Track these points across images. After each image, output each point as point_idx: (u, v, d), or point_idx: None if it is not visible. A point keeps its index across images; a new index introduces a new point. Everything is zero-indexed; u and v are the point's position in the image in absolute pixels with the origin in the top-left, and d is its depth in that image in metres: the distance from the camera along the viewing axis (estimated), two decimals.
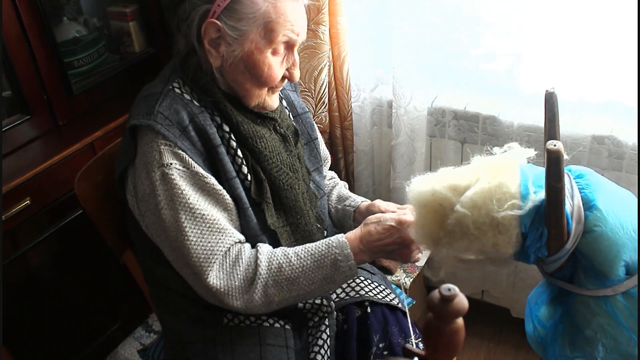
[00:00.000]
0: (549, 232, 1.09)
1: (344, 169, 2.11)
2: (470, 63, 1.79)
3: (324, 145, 1.66)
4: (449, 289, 0.71)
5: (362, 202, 1.55)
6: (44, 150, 1.90)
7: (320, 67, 1.85)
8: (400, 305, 1.54)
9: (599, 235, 1.09)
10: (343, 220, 1.57)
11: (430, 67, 1.82)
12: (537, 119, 1.72)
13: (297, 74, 1.33)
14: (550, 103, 1.18)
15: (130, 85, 2.17)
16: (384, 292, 1.55)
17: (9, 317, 1.78)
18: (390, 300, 1.53)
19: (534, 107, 1.70)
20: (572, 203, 1.11)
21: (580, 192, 1.12)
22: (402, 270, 1.98)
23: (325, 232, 1.53)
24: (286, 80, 1.34)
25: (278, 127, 1.41)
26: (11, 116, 1.89)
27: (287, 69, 1.31)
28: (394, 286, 1.69)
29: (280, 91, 1.49)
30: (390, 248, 1.32)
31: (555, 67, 1.66)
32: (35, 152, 1.90)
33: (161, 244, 1.30)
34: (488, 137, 1.83)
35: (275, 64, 1.28)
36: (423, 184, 1.19)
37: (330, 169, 1.96)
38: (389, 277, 1.94)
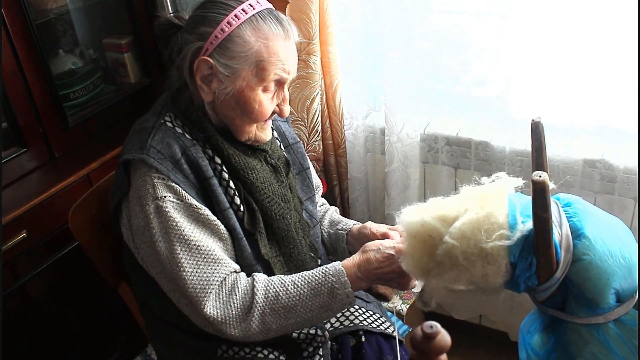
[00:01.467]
0: (538, 261, 1.09)
1: (339, 196, 2.12)
2: (461, 89, 1.81)
3: (316, 174, 1.68)
4: (431, 326, 0.72)
5: (353, 224, 1.56)
6: (40, 183, 1.91)
7: (312, 97, 1.87)
8: (394, 333, 1.54)
9: (588, 264, 1.10)
10: (336, 244, 1.58)
11: (422, 94, 1.83)
12: (529, 144, 1.72)
13: (286, 109, 1.35)
14: (537, 132, 1.19)
15: (126, 116, 2.19)
16: (378, 320, 1.55)
17: (7, 347, 1.78)
18: (385, 328, 1.53)
19: (525, 132, 1.69)
20: (560, 232, 1.11)
21: (569, 221, 1.13)
22: (398, 297, 1.98)
23: (319, 260, 1.53)
24: (275, 114, 1.36)
25: (269, 158, 1.42)
26: (8, 149, 1.91)
27: (277, 105, 1.33)
28: (389, 314, 1.69)
29: (272, 122, 1.51)
30: (389, 276, 1.33)
31: (545, 91, 1.67)
32: (31, 184, 1.91)
33: (157, 275, 1.31)
34: (481, 163, 1.84)
35: (266, 101, 1.29)
36: (412, 215, 1.20)
37: (325, 196, 1.97)
38: (385, 304, 1.94)
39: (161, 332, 1.46)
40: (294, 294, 1.30)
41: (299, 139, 1.57)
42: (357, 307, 1.56)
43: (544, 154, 1.20)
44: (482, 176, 1.21)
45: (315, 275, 1.32)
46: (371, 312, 1.57)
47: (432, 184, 1.96)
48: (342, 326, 1.51)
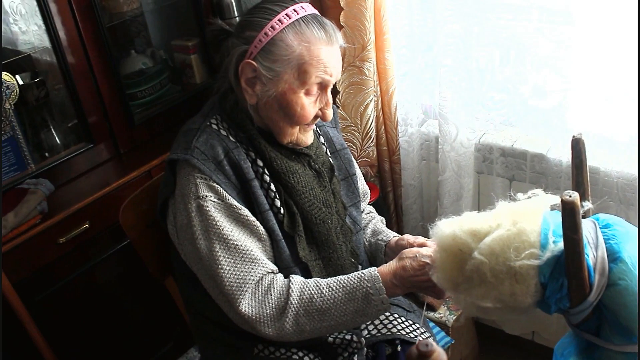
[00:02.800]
0: (569, 283, 1.05)
1: (393, 202, 2.11)
2: (518, 99, 1.76)
3: (364, 180, 1.68)
4: (427, 345, 0.71)
5: (393, 236, 1.56)
6: (105, 177, 2.02)
7: (366, 103, 1.88)
8: (419, 340, 1.52)
9: (624, 289, 1.05)
10: (376, 254, 1.58)
11: (477, 103, 1.80)
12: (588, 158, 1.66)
13: (329, 113, 1.37)
14: (577, 149, 1.14)
15: (189, 116, 2.24)
16: (417, 330, 1.54)
17: (69, 329, 1.90)
18: (424, 339, 1.51)
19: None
20: (595, 254, 1.07)
21: (606, 243, 1.08)
22: (445, 308, 1.95)
23: (360, 266, 1.54)
24: (319, 118, 1.38)
25: (312, 163, 1.44)
26: (77, 144, 2.03)
27: (320, 109, 1.35)
28: (432, 325, 1.67)
29: (318, 127, 1.54)
30: (424, 285, 1.32)
31: (604, 104, 1.60)
32: (97, 178, 2.02)
33: (198, 272, 1.36)
34: (536, 175, 1.78)
35: (308, 104, 1.32)
36: (445, 227, 1.18)
37: (378, 202, 1.98)
38: (431, 314, 1.92)
39: (202, 328, 1.51)
40: (329, 297, 1.31)
41: (346, 145, 1.58)
42: (397, 315, 1.56)
43: (585, 172, 1.16)
44: (537, 189, 1.18)
45: (351, 280, 1.33)
46: (411, 322, 1.56)
47: (486, 195, 1.92)
48: (379, 333, 1.51)
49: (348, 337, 1.45)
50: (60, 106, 2.06)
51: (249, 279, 1.31)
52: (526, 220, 1.10)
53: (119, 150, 2.11)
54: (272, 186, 1.36)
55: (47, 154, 2.02)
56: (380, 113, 1.94)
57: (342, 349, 1.46)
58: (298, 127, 1.36)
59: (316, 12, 1.34)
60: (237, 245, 1.30)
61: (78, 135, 2.04)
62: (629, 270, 1.05)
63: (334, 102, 1.91)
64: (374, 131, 1.94)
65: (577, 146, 1.15)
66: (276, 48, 1.27)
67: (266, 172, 1.36)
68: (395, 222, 2.14)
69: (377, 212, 1.76)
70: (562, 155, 1.71)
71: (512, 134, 1.83)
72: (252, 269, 1.31)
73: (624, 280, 1.05)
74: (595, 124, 1.61)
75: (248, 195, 1.34)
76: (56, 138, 2.03)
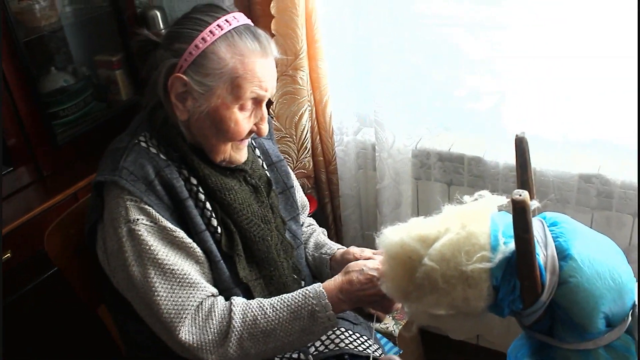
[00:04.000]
0: (521, 284, 1.04)
1: (331, 213, 2.07)
2: (453, 103, 1.77)
3: (302, 192, 1.63)
4: None
5: (337, 249, 1.51)
6: (27, 202, 1.89)
7: (300, 112, 1.84)
8: (383, 356, 1.48)
9: (575, 287, 1.04)
10: (320, 268, 1.53)
11: (413, 109, 1.79)
12: None
13: (265, 128, 1.31)
14: (521, 148, 1.14)
15: (117, 133, 2.15)
16: (365, 343, 1.50)
17: None
18: (373, 352, 1.47)
19: None
20: (545, 253, 1.06)
21: (555, 241, 1.08)
22: (390, 318, 1.92)
23: (303, 282, 1.49)
24: (253, 134, 1.32)
25: (249, 178, 1.38)
26: None
27: (255, 124, 1.29)
28: (379, 336, 1.63)
29: (254, 140, 1.48)
30: (372, 299, 1.28)
31: (539, 105, 1.62)
32: (18, 203, 1.89)
33: (132, 300, 1.27)
34: (474, 179, 1.79)
35: (242, 120, 1.26)
36: (392, 235, 1.15)
37: (317, 214, 1.93)
38: (377, 325, 1.88)
39: (143, 356, 1.42)
40: (273, 318, 1.25)
41: (282, 157, 1.53)
42: (343, 329, 1.51)
43: (529, 171, 1.15)
44: (477, 192, 1.16)
45: (295, 298, 1.27)
46: (358, 335, 1.52)
47: (425, 201, 1.91)
48: (327, 350, 1.45)
49: (295, 355, 1.40)
50: None
51: (188, 305, 1.23)
52: (475, 223, 1.08)
53: (41, 172, 1.98)
54: (208, 205, 1.29)
55: None
56: (315, 123, 1.91)
57: None
58: (230, 145, 1.29)
59: (249, 22, 1.28)
60: (173, 269, 1.22)
61: None
62: (579, 267, 1.04)
63: (268, 113, 1.86)
64: (309, 141, 1.90)
65: (521, 145, 1.14)
66: (208, 61, 1.21)
67: (200, 190, 1.29)
68: (335, 233, 2.11)
69: (318, 223, 1.72)
70: (499, 157, 1.72)
71: (448, 138, 1.83)
72: (191, 293, 1.24)
73: (574, 278, 1.04)
74: (530, 125, 1.63)
75: (183, 216, 1.26)
76: None
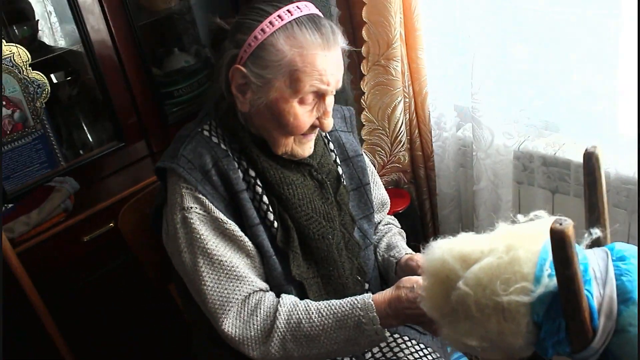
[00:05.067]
0: (567, 325, 0.89)
1: (429, 211, 1.96)
2: (562, 102, 1.56)
3: (383, 190, 1.55)
4: None
5: (405, 253, 1.42)
6: (136, 176, 2.01)
7: (393, 104, 1.74)
8: None
9: (635, 338, 0.87)
10: (387, 271, 1.45)
11: (516, 106, 1.62)
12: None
13: (328, 123, 1.25)
14: (590, 165, 0.97)
15: None
16: (429, 356, 1.40)
17: (88, 327, 1.90)
18: None
19: (635, 154, 1.44)
20: (602, 292, 0.90)
21: (617, 280, 0.91)
22: None
23: (367, 284, 1.42)
24: (317, 129, 1.27)
25: (315, 173, 1.33)
26: (109, 142, 2.04)
27: (317, 118, 1.24)
28: (449, 349, 1.52)
29: (330, 132, 1.43)
30: (420, 319, 1.19)
31: None
32: (128, 177, 2.02)
33: (187, 284, 1.30)
34: (582, 188, 1.57)
35: (303, 114, 1.21)
36: (436, 249, 1.04)
37: (413, 211, 1.83)
38: None
39: (199, 341, 1.45)
40: (318, 324, 1.21)
41: (361, 152, 1.46)
42: (407, 337, 1.43)
43: (600, 192, 0.98)
44: (541, 210, 1.02)
45: (342, 307, 1.22)
46: (423, 346, 1.42)
47: (527, 208, 1.73)
48: (383, 357, 1.38)
49: None
50: (93, 105, 2.07)
51: (233, 298, 1.23)
52: (523, 248, 0.94)
53: (152, 149, 2.10)
54: (265, 198, 1.27)
55: (81, 152, 2.04)
56: (414, 116, 1.80)
57: None
58: (293, 138, 1.25)
59: (315, 11, 1.22)
60: (221, 260, 1.22)
61: (110, 134, 2.05)
62: None
63: (358, 104, 1.79)
64: (405, 135, 1.80)
65: (590, 161, 0.97)
66: (266, 53, 1.17)
67: (258, 183, 1.27)
68: (432, 232, 1.99)
69: (409, 221, 1.63)
70: (611, 167, 1.49)
71: (555, 141, 1.63)
72: (237, 286, 1.23)
73: (635, 327, 0.87)
74: None
75: (237, 208, 1.25)
76: (89, 136, 2.04)
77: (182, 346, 2.16)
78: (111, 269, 1.93)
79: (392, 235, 1.53)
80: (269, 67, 1.18)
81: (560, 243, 0.82)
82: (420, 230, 1.98)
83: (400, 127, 1.78)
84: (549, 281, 0.89)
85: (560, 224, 0.82)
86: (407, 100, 1.77)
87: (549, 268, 0.91)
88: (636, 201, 1.48)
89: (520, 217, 1.00)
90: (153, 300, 1.98)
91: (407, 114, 1.79)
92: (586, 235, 0.95)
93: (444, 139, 1.79)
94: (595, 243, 1.00)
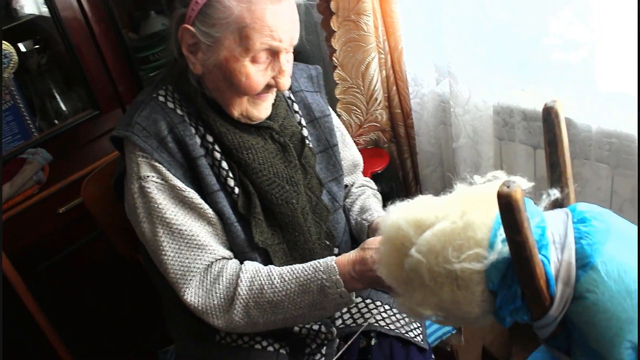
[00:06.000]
0: (523, 293, 0.84)
1: (411, 170, 1.90)
2: (539, 54, 1.48)
3: (355, 150, 1.50)
4: None
5: (377, 216, 1.37)
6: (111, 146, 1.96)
7: (367, 61, 1.67)
8: (418, 339, 1.35)
9: (593, 305, 0.82)
10: (360, 235, 1.41)
11: (493, 60, 1.54)
12: (620, 124, 1.38)
13: (284, 82, 1.19)
14: (550, 121, 0.91)
15: None
16: (402, 321, 1.37)
17: (67, 300, 1.89)
18: (405, 332, 1.34)
19: (614, 108, 1.37)
20: (559, 258, 0.85)
21: (577, 243, 0.85)
22: None
23: (337, 249, 1.38)
24: (274, 88, 1.21)
25: (276, 136, 1.28)
26: (83, 111, 1.99)
27: (273, 77, 1.18)
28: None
29: (294, 93, 1.37)
30: (384, 283, 1.14)
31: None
32: (104, 146, 1.97)
33: (149, 254, 1.26)
34: None
35: (255, 73, 1.15)
36: (392, 214, 0.99)
37: (394, 170, 1.78)
38: None
39: (167, 309, 1.43)
40: (280, 289, 1.18)
41: (329, 112, 1.40)
42: (379, 302, 1.40)
43: (561, 149, 0.92)
44: (498, 171, 0.96)
45: (305, 271, 1.18)
46: (396, 311, 1.39)
47: (509, 164, 1.67)
48: (354, 324, 1.36)
49: (316, 327, 1.32)
50: (64, 73, 2.02)
51: (195, 267, 1.20)
52: (477, 212, 0.89)
53: None
54: (224, 164, 1.23)
55: (56, 122, 1.99)
56: (391, 72, 1.72)
57: (311, 339, 1.32)
58: (246, 99, 1.20)
59: None
60: (181, 230, 1.19)
61: (85, 103, 1.99)
62: (602, 280, 0.82)
63: (330, 60, 1.72)
64: (381, 93, 1.73)
65: (549, 117, 0.91)
66: (213, 10, 1.10)
67: (217, 148, 1.22)
68: (415, 192, 1.94)
69: (388, 181, 1.58)
70: (592, 121, 1.42)
71: (534, 95, 1.55)
72: (198, 255, 1.20)
73: (593, 293, 0.82)
74: (630, 81, 1.32)
75: (196, 175, 1.21)
76: (62, 106, 1.99)
77: (155, 315, 2.16)
78: (89, 240, 1.90)
79: (365, 197, 1.48)
80: (216, 25, 1.11)
81: (507, 207, 0.76)
82: (402, 190, 1.92)
83: (376, 84, 1.71)
84: (503, 247, 0.84)
85: (508, 187, 0.76)
86: (382, 56, 1.69)
87: (503, 233, 0.86)
88: (619, 155, 1.42)
89: (477, 177, 0.95)
90: (127, 271, 1.96)
91: (384, 71, 1.72)
92: (544, 196, 0.89)
93: (421, 96, 1.71)
94: (558, 204, 0.94)
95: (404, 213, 0.96)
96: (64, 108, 1.99)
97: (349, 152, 1.48)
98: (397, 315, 1.38)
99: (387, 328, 1.34)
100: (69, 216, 1.83)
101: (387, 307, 1.39)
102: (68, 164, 1.89)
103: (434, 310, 0.91)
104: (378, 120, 1.78)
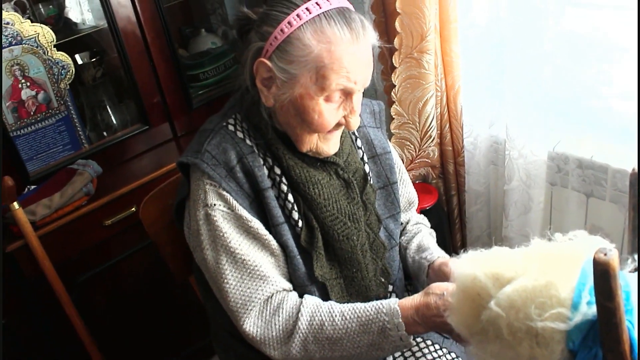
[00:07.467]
0: (604, 356, 0.85)
1: (457, 207, 1.91)
2: (600, 103, 1.49)
3: (411, 187, 1.51)
4: None
5: (438, 257, 1.37)
6: (159, 160, 1.99)
7: (425, 98, 1.68)
8: None
9: None
10: (418, 274, 1.40)
11: (552, 106, 1.55)
12: None
13: (354, 122, 1.20)
14: (637, 187, 0.91)
15: None
16: None
17: (108, 311, 1.90)
18: None
19: None
20: None
21: None
22: None
23: (392, 286, 1.38)
24: (342, 127, 1.22)
25: (341, 172, 1.29)
26: (133, 125, 2.01)
27: (344, 116, 1.19)
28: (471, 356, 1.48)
29: (357, 129, 1.38)
30: (448, 327, 1.15)
31: None
32: (151, 161, 1.99)
33: (208, 280, 1.27)
34: (618, 194, 1.51)
35: (328, 111, 1.16)
36: (467, 264, 1.00)
37: (439, 207, 1.78)
38: None
39: (217, 332, 1.44)
40: (341, 327, 1.18)
41: (389, 149, 1.41)
42: (430, 342, 1.39)
43: None
44: (580, 230, 0.96)
45: (367, 311, 1.19)
46: (446, 350, 1.39)
47: (559, 210, 1.67)
48: None
49: None
50: (117, 87, 2.04)
51: (256, 297, 1.20)
52: (559, 270, 0.89)
53: (176, 132, 2.07)
54: (290, 197, 1.23)
55: (105, 134, 2.02)
56: (445, 110, 1.74)
57: None
58: (317, 135, 1.21)
59: (345, 4, 1.15)
60: (244, 259, 1.20)
61: (134, 117, 2.02)
62: None
63: (388, 96, 1.74)
64: (435, 130, 1.74)
65: (638, 183, 0.92)
66: (292, 48, 1.12)
67: (284, 181, 1.23)
68: (459, 229, 1.94)
69: (436, 217, 1.59)
70: None
71: (592, 143, 1.56)
72: (260, 286, 1.21)
73: None
74: None
75: (262, 206, 1.22)
76: (113, 118, 2.02)
77: (199, 335, 2.17)
78: (132, 254, 1.91)
79: (422, 236, 1.48)
80: (294, 62, 1.12)
81: (604, 274, 0.77)
82: (446, 227, 1.93)
83: (431, 121, 1.72)
84: (588, 309, 0.85)
85: (605, 254, 0.76)
86: (438, 94, 1.71)
87: (588, 295, 0.86)
88: None
89: (557, 235, 0.95)
90: (173, 288, 1.97)
91: (439, 108, 1.73)
92: (629, 261, 0.90)
93: (475, 135, 1.73)
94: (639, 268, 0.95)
95: (480, 264, 0.97)
96: (114, 121, 2.01)
97: (405, 190, 1.49)
98: (448, 356, 1.38)
99: None
100: (114, 229, 1.85)
101: (437, 346, 1.39)
102: (115, 177, 1.92)
103: None
104: (429, 156, 1.79)
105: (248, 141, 1.23)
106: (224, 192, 1.19)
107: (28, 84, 1.76)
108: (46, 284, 1.72)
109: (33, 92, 1.78)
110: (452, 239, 1.95)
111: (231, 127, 1.25)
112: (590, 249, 0.91)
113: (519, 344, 0.89)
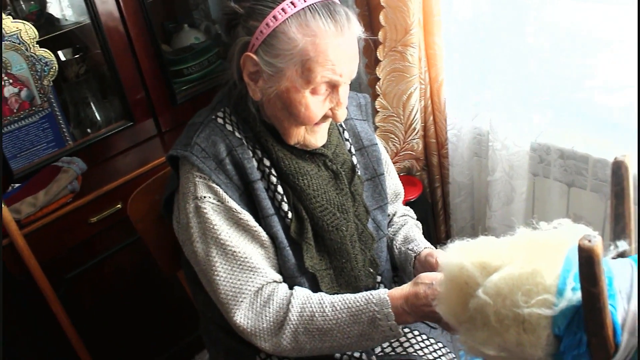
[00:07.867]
0: (588, 340, 0.87)
1: (441, 199, 1.93)
2: (582, 95, 1.52)
3: (397, 179, 1.52)
4: None
5: (424, 248, 1.39)
6: (144, 157, 1.98)
7: (409, 91, 1.70)
8: None
9: None
10: (404, 264, 1.42)
11: (535, 98, 1.57)
12: None
13: (341, 114, 1.22)
14: (619, 175, 0.94)
15: None
16: (439, 351, 1.39)
17: (95, 308, 1.90)
18: None
19: None
20: (626, 308, 0.87)
21: None
22: None
23: (379, 277, 1.40)
24: (329, 119, 1.23)
25: (329, 163, 1.30)
26: (117, 121, 2.00)
27: (330, 109, 1.21)
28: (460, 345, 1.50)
29: (344, 121, 1.39)
30: (437, 316, 1.17)
31: None
32: (136, 157, 1.99)
33: (198, 274, 1.28)
34: (599, 184, 1.55)
35: (314, 104, 1.17)
36: (454, 254, 1.02)
37: (424, 198, 1.80)
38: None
39: (207, 327, 1.45)
40: (331, 318, 1.20)
41: (376, 141, 1.42)
42: (417, 332, 1.42)
43: (627, 203, 0.95)
44: (564, 218, 0.99)
45: (357, 301, 1.20)
46: (433, 341, 1.41)
47: (542, 200, 1.70)
48: (393, 352, 1.37)
49: (357, 354, 1.33)
50: (101, 83, 2.03)
51: (246, 289, 1.21)
52: (545, 258, 0.92)
53: (160, 128, 2.06)
54: (279, 188, 1.25)
55: (89, 131, 2.01)
56: (429, 102, 1.76)
57: None
58: (304, 128, 1.22)
59: None
60: (235, 251, 1.21)
61: (119, 113, 2.01)
62: None
63: (373, 89, 1.75)
64: (419, 122, 1.76)
65: (619, 171, 0.94)
66: (277, 41, 1.13)
67: (273, 172, 1.24)
68: (444, 220, 1.97)
69: (421, 209, 1.60)
70: (632, 164, 1.46)
71: (573, 134, 1.59)
72: (251, 277, 1.22)
73: None
74: None
75: (251, 198, 1.23)
76: (97, 115, 2.01)
77: (188, 330, 2.17)
78: (118, 250, 1.91)
79: (409, 227, 1.50)
80: (280, 55, 1.13)
81: (588, 260, 0.79)
82: (431, 218, 1.95)
83: (415, 114, 1.74)
84: (572, 295, 0.87)
85: (589, 241, 0.79)
86: (422, 86, 1.73)
87: (572, 281, 0.88)
88: None
89: (542, 224, 0.98)
90: (160, 283, 1.98)
91: (422, 101, 1.75)
92: (612, 247, 0.92)
93: (459, 127, 1.75)
94: (620, 254, 0.97)
95: (467, 253, 0.99)
96: (98, 117, 2.00)
97: (392, 182, 1.50)
98: (435, 346, 1.40)
99: (426, 358, 1.36)
100: (99, 226, 1.84)
101: (424, 336, 1.41)
102: (100, 174, 1.91)
103: (497, 350, 0.94)
104: (414, 149, 1.81)
105: (237, 134, 1.24)
106: (214, 185, 1.20)
107: (11, 81, 1.74)
108: (32, 282, 1.71)
109: (16, 90, 1.76)
110: (437, 230, 1.98)
111: (220, 120, 1.25)
112: (574, 237, 0.94)
113: (507, 330, 0.91)
